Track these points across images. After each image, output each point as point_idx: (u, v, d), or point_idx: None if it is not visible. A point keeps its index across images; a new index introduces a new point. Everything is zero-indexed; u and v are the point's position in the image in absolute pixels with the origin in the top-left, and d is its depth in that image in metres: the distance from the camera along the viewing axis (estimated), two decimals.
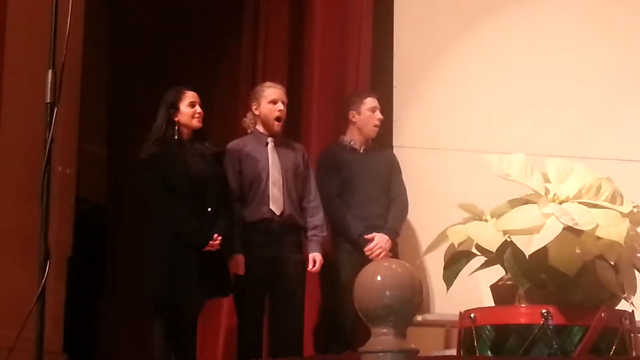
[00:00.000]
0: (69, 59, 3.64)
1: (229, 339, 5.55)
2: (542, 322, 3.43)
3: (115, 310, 5.97)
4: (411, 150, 5.93)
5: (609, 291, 3.56)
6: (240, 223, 5.09)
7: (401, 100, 6.02)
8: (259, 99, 5.29)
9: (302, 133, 5.93)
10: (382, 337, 2.98)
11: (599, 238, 3.50)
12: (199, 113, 4.98)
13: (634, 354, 3.53)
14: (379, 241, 5.33)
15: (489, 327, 3.52)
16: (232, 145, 5.26)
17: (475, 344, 3.53)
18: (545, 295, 3.53)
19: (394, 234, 5.43)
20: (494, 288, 3.77)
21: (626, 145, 6.08)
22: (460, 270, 3.67)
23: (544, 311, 3.44)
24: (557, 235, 3.44)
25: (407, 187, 5.72)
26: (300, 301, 5.17)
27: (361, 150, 5.59)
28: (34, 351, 3.35)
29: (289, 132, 5.56)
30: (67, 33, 3.54)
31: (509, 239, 3.52)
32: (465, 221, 3.80)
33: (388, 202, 5.51)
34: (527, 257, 3.43)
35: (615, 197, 3.67)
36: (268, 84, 5.39)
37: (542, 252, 3.45)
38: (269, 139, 5.26)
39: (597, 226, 3.48)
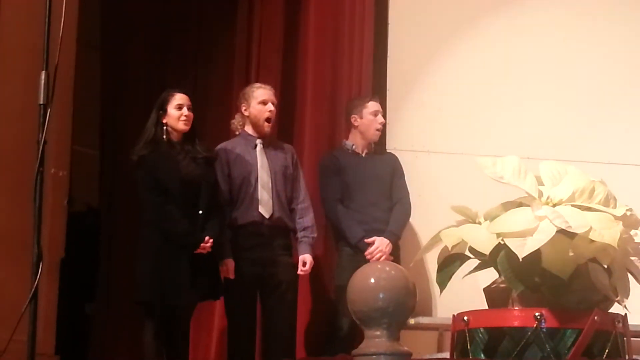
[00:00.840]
0: (62, 61, 3.65)
1: (222, 340, 5.54)
2: (535, 325, 3.42)
3: (108, 312, 5.96)
4: (404, 153, 5.93)
5: (602, 294, 3.55)
6: (230, 226, 5.09)
7: (394, 103, 6.02)
8: (249, 100, 5.29)
9: (295, 133, 5.93)
10: (376, 340, 3.00)
11: (592, 241, 3.49)
12: (185, 116, 4.96)
13: (626, 357, 3.52)
14: (379, 245, 5.33)
15: (482, 330, 3.51)
16: (220, 147, 5.25)
17: (469, 346, 3.52)
18: (538, 298, 3.52)
19: (395, 238, 5.42)
20: (488, 291, 3.77)
21: (619, 149, 6.09)
22: (453, 273, 3.65)
23: (537, 314, 3.43)
24: (551, 238, 3.43)
25: None
26: (291, 303, 5.17)
27: (363, 154, 5.60)
28: (26, 353, 3.35)
29: (282, 132, 5.56)
30: (60, 35, 3.54)
31: (502, 242, 3.51)
32: (459, 224, 3.78)
33: (390, 205, 5.50)
34: (520, 259, 3.42)
35: (609, 200, 3.67)
36: (257, 84, 5.40)
37: (536, 254, 3.44)
38: (258, 141, 5.26)
39: (590, 229, 3.47)
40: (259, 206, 5.12)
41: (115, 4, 6.36)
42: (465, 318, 3.56)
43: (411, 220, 5.68)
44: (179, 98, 4.99)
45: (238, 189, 5.15)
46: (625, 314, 3.59)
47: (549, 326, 3.43)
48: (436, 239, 3.73)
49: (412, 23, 6.11)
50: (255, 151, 5.24)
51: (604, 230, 3.48)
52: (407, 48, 6.09)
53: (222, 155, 5.19)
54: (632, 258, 3.64)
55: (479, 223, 3.73)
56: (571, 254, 3.49)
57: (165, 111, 4.98)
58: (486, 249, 3.56)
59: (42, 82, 3.55)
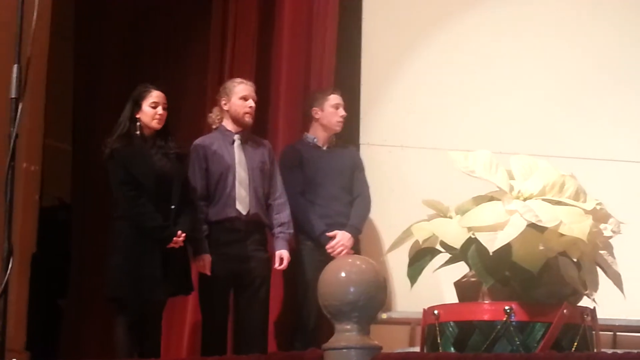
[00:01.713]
0: (35, 54, 3.62)
1: (194, 335, 5.54)
2: (505, 319, 3.44)
3: (79, 307, 5.94)
4: (378, 147, 5.96)
5: (572, 288, 3.57)
6: (206, 222, 5.08)
7: (369, 98, 6.04)
8: (230, 95, 5.27)
9: (269, 129, 5.93)
10: (346, 334, 3.00)
11: (562, 235, 3.51)
12: (159, 114, 4.95)
13: (595, 350, 3.55)
14: (340, 239, 5.34)
15: (452, 323, 3.52)
16: (198, 142, 5.24)
17: (439, 340, 3.53)
18: (508, 292, 3.54)
19: (356, 232, 5.43)
20: (458, 285, 3.77)
21: (590, 144, 6.14)
22: (424, 267, 3.67)
23: (507, 308, 3.45)
24: (521, 232, 3.45)
25: (373, 185, 5.74)
26: (264, 299, 5.17)
27: (324, 148, 5.59)
28: None
29: (256, 128, 5.55)
30: (32, 28, 3.52)
31: (473, 236, 3.53)
32: (430, 218, 3.80)
33: (351, 199, 5.51)
34: (491, 253, 3.44)
35: (579, 195, 3.69)
36: (239, 80, 5.38)
37: (506, 248, 3.46)
38: (236, 137, 5.25)
39: (560, 223, 3.49)
40: (236, 202, 5.11)
41: None
42: (436, 312, 3.57)
43: (383, 214, 5.70)
44: (155, 96, 4.97)
45: (215, 185, 5.15)
46: (594, 308, 3.61)
47: (518, 320, 3.45)
48: (407, 233, 3.74)
49: (385, 19, 6.12)
50: (233, 147, 5.24)
51: (573, 224, 3.51)
52: (381, 43, 6.10)
53: (200, 151, 5.18)
54: (602, 252, 3.67)
55: (450, 217, 3.75)
56: (541, 247, 3.51)
57: (139, 107, 4.96)
58: (457, 243, 3.58)
59: (14, 75, 3.53)
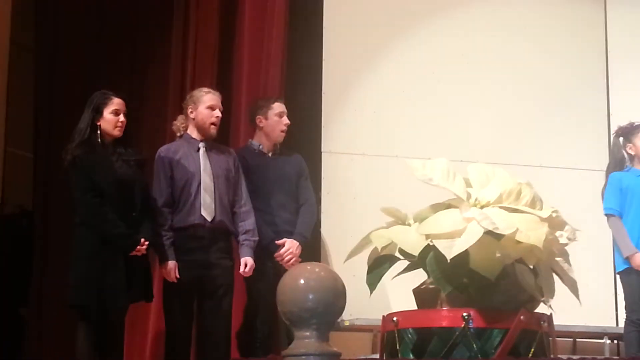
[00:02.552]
0: None
1: (157, 342, 5.53)
2: (463, 325, 3.49)
3: (41, 315, 5.91)
4: (340, 155, 5.99)
5: (529, 294, 3.62)
6: (171, 229, 5.08)
7: (330, 106, 6.06)
8: (197, 103, 5.27)
9: (231, 136, 5.93)
10: (305, 341, 3.01)
11: (518, 242, 3.57)
12: (121, 122, 4.94)
13: (552, 356, 3.60)
14: (289, 247, 5.32)
15: (411, 330, 3.56)
16: (163, 149, 5.23)
17: (398, 347, 3.57)
18: (466, 299, 3.59)
19: (303, 239, 5.41)
20: (417, 292, 3.81)
21: (546, 153, 6.22)
22: (383, 274, 3.70)
23: (464, 314, 3.50)
24: (478, 240, 3.50)
25: (336, 192, 5.77)
26: (227, 307, 5.17)
27: (270, 155, 5.57)
28: None
29: (218, 135, 5.56)
30: None
31: (431, 243, 3.57)
32: (389, 225, 3.84)
33: (297, 207, 5.49)
34: (448, 261, 3.48)
35: (535, 202, 3.75)
36: (206, 89, 5.37)
37: (464, 256, 3.50)
38: (201, 144, 5.25)
39: (517, 230, 3.55)
40: (202, 209, 5.11)
41: (50, 5, 6.31)
42: (395, 319, 3.61)
43: (344, 222, 5.72)
44: (116, 103, 4.95)
45: (180, 192, 5.14)
46: (551, 314, 3.67)
47: (476, 326, 3.50)
48: (366, 240, 3.78)
49: (346, 27, 6.15)
50: (199, 154, 5.24)
51: (530, 231, 3.56)
52: (342, 52, 6.13)
53: (165, 157, 5.17)
54: (558, 259, 3.73)
55: (409, 225, 3.79)
56: (498, 254, 3.56)
57: (100, 114, 4.94)
58: (415, 250, 3.62)
59: None
